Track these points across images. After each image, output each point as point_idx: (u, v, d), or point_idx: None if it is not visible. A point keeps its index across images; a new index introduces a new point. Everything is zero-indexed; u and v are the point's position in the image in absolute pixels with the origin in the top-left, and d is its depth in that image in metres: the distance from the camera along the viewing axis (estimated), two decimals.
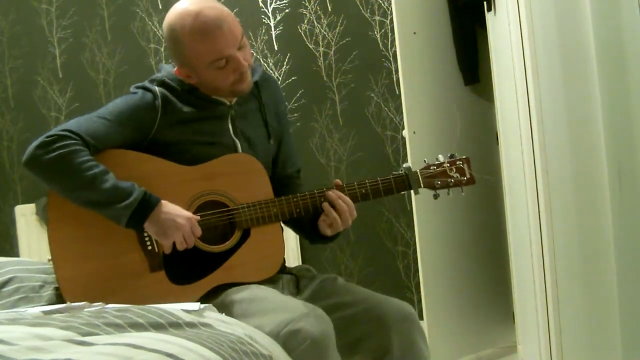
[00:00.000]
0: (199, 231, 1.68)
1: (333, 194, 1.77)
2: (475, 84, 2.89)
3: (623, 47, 1.89)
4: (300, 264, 2.31)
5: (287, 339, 1.49)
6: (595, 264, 2.00)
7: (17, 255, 3.58)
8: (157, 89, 1.76)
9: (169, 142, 1.74)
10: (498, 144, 2.61)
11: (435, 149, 2.78)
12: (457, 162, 1.85)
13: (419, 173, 1.83)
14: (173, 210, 1.66)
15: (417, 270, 2.96)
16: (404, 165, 1.83)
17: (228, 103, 1.81)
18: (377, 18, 3.26)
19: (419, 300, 2.95)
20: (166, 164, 1.72)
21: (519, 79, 2.08)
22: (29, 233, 3.59)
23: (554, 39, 2.00)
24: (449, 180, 1.84)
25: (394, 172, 1.83)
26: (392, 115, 3.27)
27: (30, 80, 3.80)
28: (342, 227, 1.78)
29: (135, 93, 1.77)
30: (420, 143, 2.73)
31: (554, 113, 2.00)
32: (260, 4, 3.43)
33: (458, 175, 1.84)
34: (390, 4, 3.06)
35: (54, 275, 1.75)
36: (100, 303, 1.41)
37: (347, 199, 1.77)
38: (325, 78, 3.36)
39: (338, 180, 1.81)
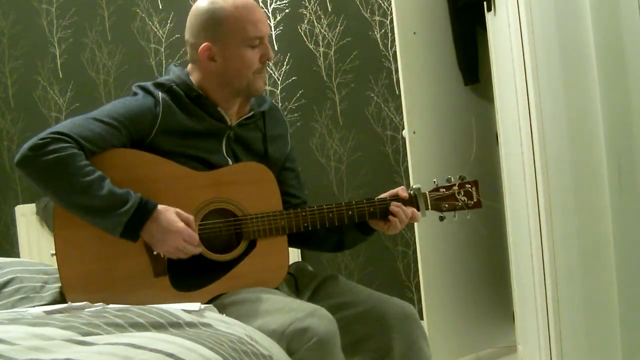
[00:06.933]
0: (195, 240, 1.63)
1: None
2: (475, 84, 2.89)
3: (623, 47, 1.89)
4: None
5: (293, 337, 1.49)
6: (595, 263, 2.00)
7: (17, 255, 3.58)
8: (160, 94, 1.72)
9: (164, 150, 1.70)
10: (498, 144, 2.61)
11: (435, 149, 2.80)
12: (466, 186, 1.87)
13: (427, 195, 1.85)
14: (167, 222, 1.59)
15: (417, 270, 2.96)
16: (413, 187, 1.84)
17: (229, 122, 1.78)
18: (377, 18, 3.26)
19: (419, 300, 2.95)
20: (179, 169, 1.69)
21: (518, 79, 2.08)
22: (29, 233, 3.58)
23: (554, 39, 2.00)
24: (456, 203, 1.87)
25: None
26: (392, 115, 3.27)
27: (31, 80, 3.80)
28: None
29: (136, 94, 1.74)
30: (420, 143, 2.73)
31: (553, 113, 2.00)
32: (260, 4, 3.42)
33: (465, 198, 1.87)
34: (390, 4, 3.06)
35: (55, 276, 1.74)
36: (101, 303, 1.41)
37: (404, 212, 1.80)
38: (325, 78, 3.36)
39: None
